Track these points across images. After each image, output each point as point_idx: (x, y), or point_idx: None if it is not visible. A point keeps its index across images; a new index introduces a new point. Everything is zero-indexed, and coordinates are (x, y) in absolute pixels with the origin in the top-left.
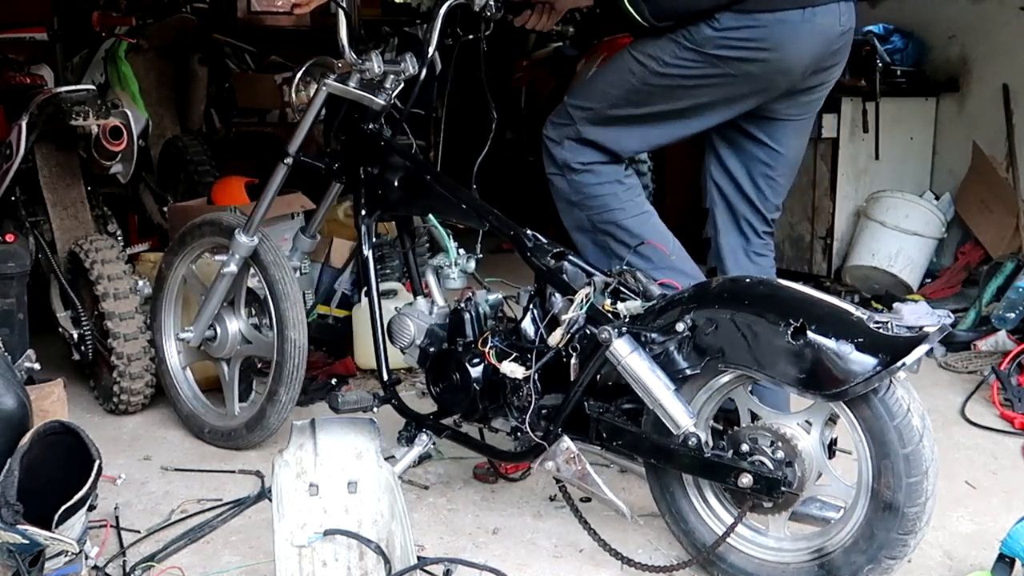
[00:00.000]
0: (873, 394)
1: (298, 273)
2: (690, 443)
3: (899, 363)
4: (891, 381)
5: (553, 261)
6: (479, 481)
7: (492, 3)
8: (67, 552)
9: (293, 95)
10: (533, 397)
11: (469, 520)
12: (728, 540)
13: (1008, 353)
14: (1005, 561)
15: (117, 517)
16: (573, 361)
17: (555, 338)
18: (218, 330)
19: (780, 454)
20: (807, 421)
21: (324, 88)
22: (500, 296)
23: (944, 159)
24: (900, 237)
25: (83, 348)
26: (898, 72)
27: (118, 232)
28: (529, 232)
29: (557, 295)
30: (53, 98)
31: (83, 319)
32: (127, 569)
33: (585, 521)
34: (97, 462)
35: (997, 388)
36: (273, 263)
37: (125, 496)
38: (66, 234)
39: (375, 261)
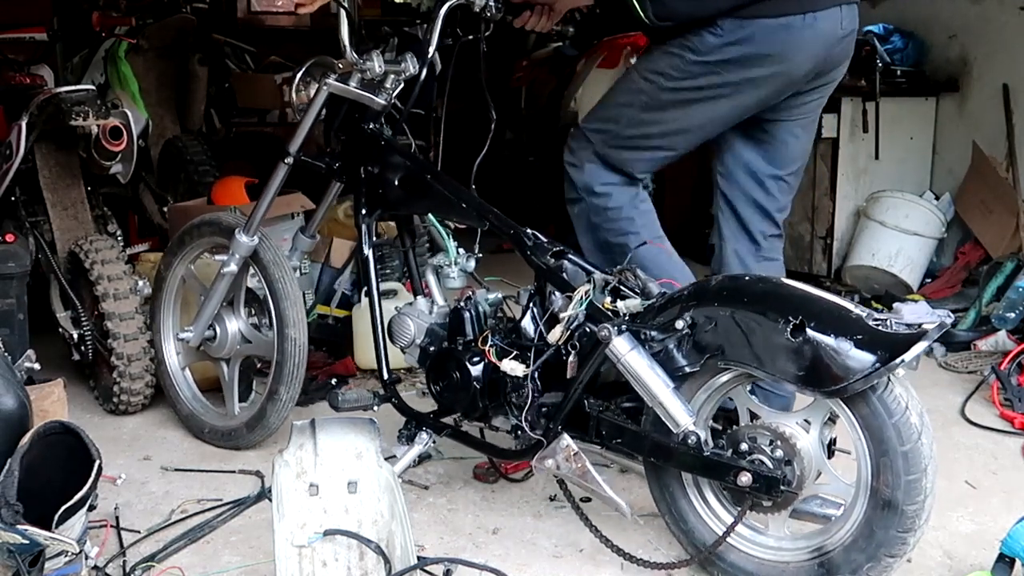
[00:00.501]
0: (871, 392)
1: (298, 273)
2: (689, 442)
3: (898, 360)
4: (889, 379)
5: (553, 260)
6: (479, 481)
7: (492, 4)
8: (67, 552)
9: (293, 95)
10: (533, 395)
11: (469, 520)
12: (728, 539)
13: (1008, 353)
14: (1005, 561)
15: (117, 517)
16: (572, 359)
17: (555, 335)
18: (218, 330)
19: (779, 453)
20: (806, 420)
21: (325, 88)
22: (500, 295)
23: (944, 159)
24: (900, 237)
25: (83, 348)
26: (898, 72)
27: (118, 232)
28: (529, 231)
29: (557, 293)
30: (53, 98)
31: (83, 319)
32: (127, 569)
33: (586, 517)
34: (97, 462)
35: (997, 388)
36: (273, 262)
37: (125, 496)
38: (66, 234)
39: (375, 261)
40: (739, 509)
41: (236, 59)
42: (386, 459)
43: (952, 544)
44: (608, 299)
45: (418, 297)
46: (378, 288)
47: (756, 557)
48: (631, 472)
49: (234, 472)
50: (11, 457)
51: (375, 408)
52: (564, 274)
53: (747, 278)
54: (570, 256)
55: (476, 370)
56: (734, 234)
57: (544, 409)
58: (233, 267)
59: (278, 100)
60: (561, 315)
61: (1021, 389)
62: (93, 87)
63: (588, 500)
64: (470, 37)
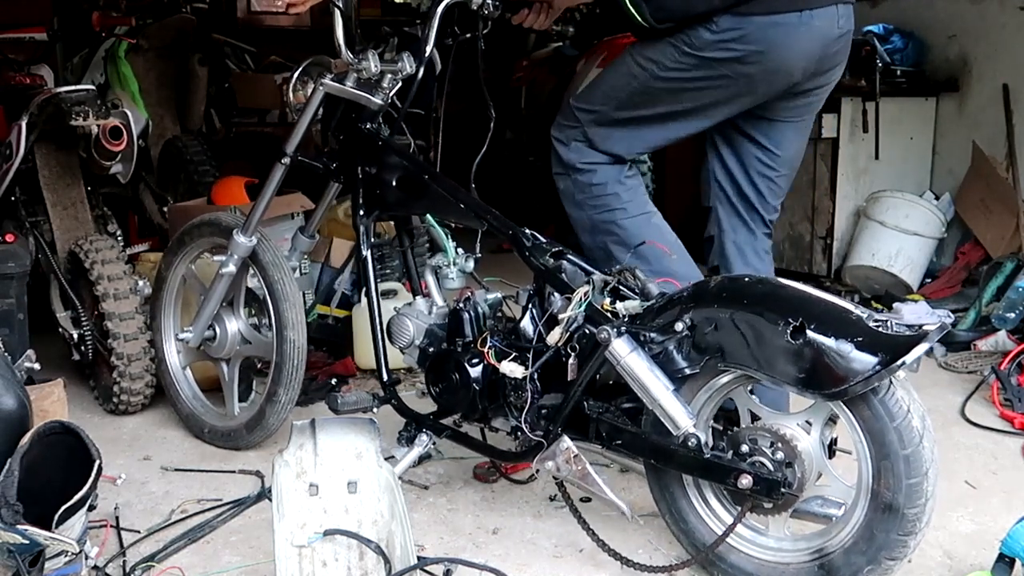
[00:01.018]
0: (873, 395)
1: (297, 273)
2: (690, 444)
3: (899, 362)
4: (891, 381)
5: (552, 260)
6: (479, 481)
7: (490, 1)
8: (67, 552)
9: (291, 94)
10: (532, 396)
11: (469, 520)
12: (728, 540)
13: (1008, 353)
14: (1005, 561)
15: (117, 517)
16: (572, 361)
17: (554, 337)
18: (217, 330)
19: (780, 455)
20: (807, 421)
21: (321, 87)
22: (499, 296)
23: (944, 159)
24: (900, 237)
25: (83, 348)
26: (898, 72)
27: (118, 232)
28: (528, 232)
29: (556, 294)
30: (53, 98)
31: (83, 319)
32: (127, 569)
33: (584, 521)
34: (97, 462)
35: (997, 388)
36: (272, 263)
37: (125, 496)
38: (66, 234)
39: (374, 261)
40: (739, 510)
41: (236, 59)
42: (386, 459)
43: (952, 544)
44: (607, 300)
45: (417, 297)
46: (377, 288)
47: (756, 558)
48: (631, 472)
49: (234, 472)
50: (11, 457)
51: (374, 410)
52: (563, 275)
53: (747, 279)
54: (569, 257)
55: (475, 371)
56: (732, 225)
57: (544, 411)
58: (232, 267)
59: (278, 100)
60: (560, 316)
61: (1021, 389)
62: (93, 87)
63: (588, 500)
64: (468, 36)
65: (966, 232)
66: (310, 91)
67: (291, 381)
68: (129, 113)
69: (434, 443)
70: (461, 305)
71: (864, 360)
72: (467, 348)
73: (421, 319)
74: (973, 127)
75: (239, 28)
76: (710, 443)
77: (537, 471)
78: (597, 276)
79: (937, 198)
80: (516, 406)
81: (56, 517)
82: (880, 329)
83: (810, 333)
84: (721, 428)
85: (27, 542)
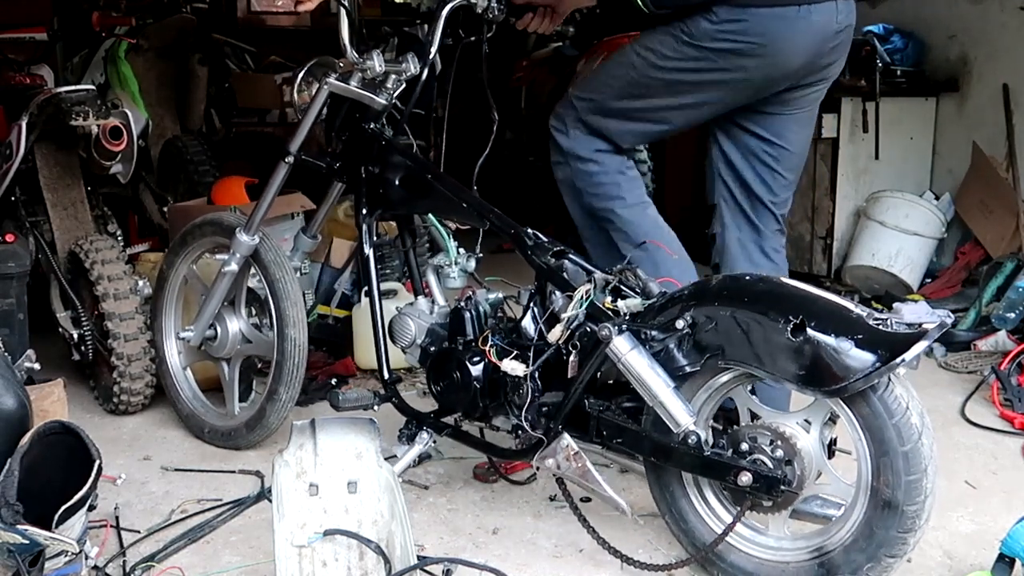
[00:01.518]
0: (872, 392)
1: (298, 273)
2: (690, 441)
3: (898, 359)
4: (890, 379)
5: (553, 259)
6: (479, 481)
7: (495, 5)
8: (67, 552)
9: (295, 94)
10: (533, 394)
11: (469, 520)
12: (728, 539)
13: (1008, 353)
14: (1005, 561)
15: (117, 517)
16: (573, 358)
17: (555, 335)
18: (218, 330)
19: (780, 453)
20: (806, 420)
21: (326, 87)
22: (500, 295)
23: (944, 159)
24: (900, 237)
25: (83, 348)
26: (898, 72)
27: (118, 232)
28: (530, 231)
29: (557, 293)
30: (53, 98)
31: (83, 319)
32: (127, 569)
33: (585, 520)
34: (97, 462)
35: (997, 388)
36: (274, 262)
37: (125, 496)
38: (66, 234)
39: (376, 260)
40: (739, 508)
41: (236, 59)
42: (386, 459)
43: (952, 544)
44: (608, 299)
45: (419, 297)
46: (379, 288)
47: (756, 557)
48: (631, 472)
49: (234, 472)
50: (11, 457)
51: (375, 408)
52: (564, 274)
53: (748, 277)
54: (571, 256)
55: (476, 370)
56: (736, 222)
57: (544, 409)
58: (234, 266)
59: (278, 100)
60: (561, 315)
61: (1021, 389)
62: (93, 87)
63: (588, 500)
64: (472, 39)
65: (966, 232)
66: (314, 91)
67: (292, 379)
68: (129, 113)
69: (435, 441)
70: (463, 304)
71: (864, 357)
72: (468, 347)
73: (423, 318)
74: (973, 127)
75: (239, 28)
76: (710, 441)
77: (537, 469)
78: (598, 275)
79: (937, 198)
80: (517, 404)
81: (56, 517)
82: (880, 327)
83: (810, 331)
84: (721, 427)
85: (27, 542)
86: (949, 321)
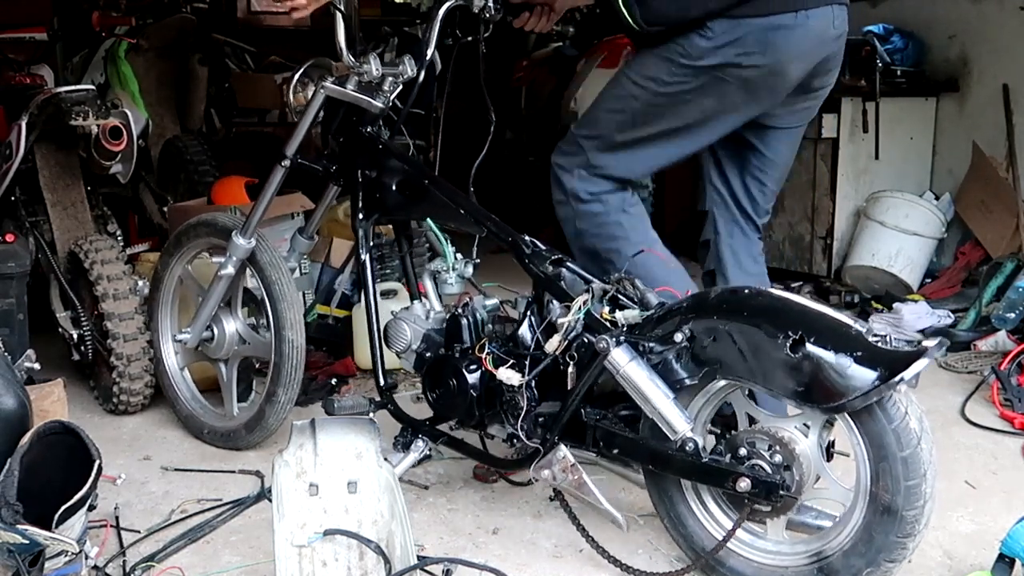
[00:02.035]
0: None
1: (296, 273)
2: (687, 448)
3: (897, 378)
4: None
5: (551, 268)
6: (479, 481)
7: (491, 4)
8: (67, 552)
9: (291, 96)
10: (529, 404)
11: (469, 520)
12: (727, 544)
13: (1008, 353)
14: (1005, 561)
15: (117, 517)
16: (571, 370)
17: (552, 345)
18: (216, 331)
19: (778, 458)
20: (805, 424)
21: (322, 91)
22: (497, 302)
23: (944, 159)
24: (900, 237)
25: (83, 348)
26: (898, 72)
27: (118, 232)
28: (527, 238)
29: (555, 302)
30: (53, 98)
31: (83, 319)
32: (127, 569)
33: (583, 528)
34: (97, 462)
35: (997, 388)
36: (270, 264)
37: (125, 496)
38: (66, 234)
39: (373, 264)
40: (739, 515)
41: (236, 59)
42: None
43: (952, 544)
44: (606, 309)
45: (415, 302)
46: (375, 293)
47: (755, 562)
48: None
49: (234, 472)
50: (11, 457)
51: (371, 415)
52: (562, 283)
53: (746, 291)
54: (568, 264)
55: (472, 378)
56: (729, 230)
57: (541, 419)
58: (230, 269)
59: (278, 100)
60: (559, 323)
61: (1021, 389)
62: (93, 87)
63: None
64: (469, 38)
65: (966, 232)
66: (311, 93)
67: (290, 381)
68: (129, 113)
69: (430, 449)
70: (460, 311)
71: (863, 375)
72: (465, 354)
73: (418, 324)
74: (973, 127)
75: (239, 28)
76: (708, 447)
77: (533, 480)
78: (596, 285)
79: (937, 198)
80: (513, 414)
81: (56, 517)
82: (879, 344)
83: (809, 346)
84: (719, 432)
85: (27, 542)
86: (949, 322)
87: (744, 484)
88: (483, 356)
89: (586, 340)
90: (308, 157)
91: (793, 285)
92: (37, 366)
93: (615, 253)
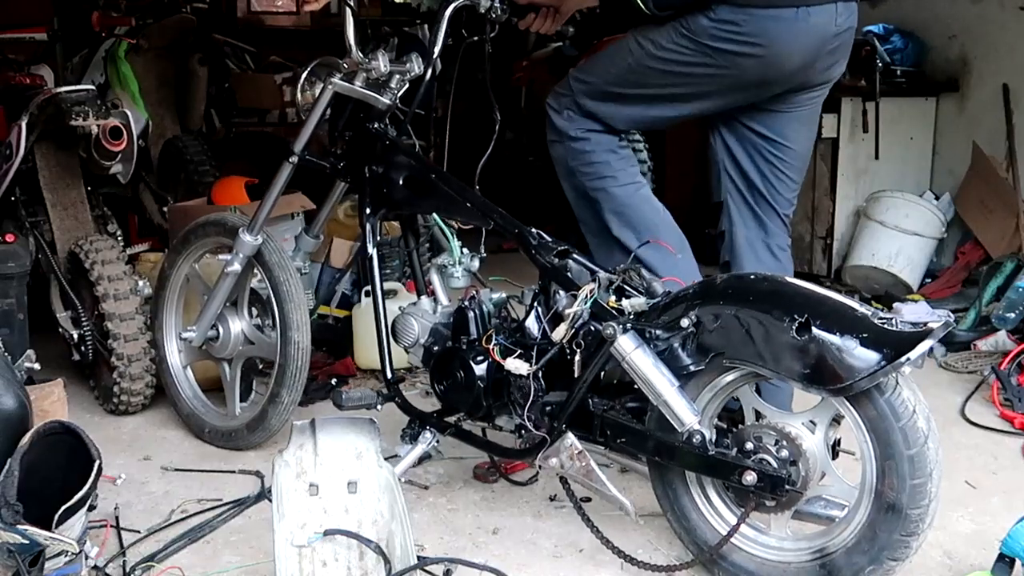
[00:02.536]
0: (879, 394)
1: (300, 273)
2: (694, 440)
3: (903, 358)
4: (897, 380)
5: (557, 259)
6: (479, 481)
7: (497, 5)
8: (67, 552)
9: (299, 94)
10: (537, 394)
11: (469, 520)
12: (731, 539)
13: (1008, 353)
14: (1005, 561)
15: (117, 517)
16: (578, 358)
17: (559, 334)
18: (221, 330)
19: (784, 453)
20: (812, 421)
21: (330, 87)
22: (504, 295)
23: (944, 159)
24: (900, 237)
25: (83, 348)
26: (898, 72)
27: (118, 232)
28: (534, 230)
29: (561, 292)
30: (53, 98)
31: (83, 319)
32: (127, 569)
33: (588, 519)
34: (97, 462)
35: (997, 388)
36: (278, 264)
37: (125, 496)
38: (66, 234)
39: (379, 260)
40: (743, 509)
41: (236, 59)
42: (388, 459)
43: (952, 544)
44: (612, 298)
45: (422, 297)
46: (382, 287)
47: (758, 557)
48: (631, 472)
49: (234, 472)
50: (11, 457)
51: (379, 407)
52: (569, 273)
53: (752, 277)
54: (575, 255)
55: (480, 369)
56: (744, 220)
57: (548, 408)
58: (237, 266)
59: (278, 100)
60: (566, 313)
61: (1021, 389)
62: (93, 87)
63: (588, 500)
64: (475, 38)
65: (966, 232)
66: (318, 91)
67: (294, 382)
68: (129, 113)
69: (438, 441)
70: (466, 304)
71: (868, 356)
72: (472, 346)
73: (426, 318)
74: (973, 127)
75: (239, 28)
76: (714, 440)
77: (540, 468)
78: (602, 274)
79: (937, 198)
80: (520, 403)
81: (56, 517)
82: (885, 326)
83: (815, 329)
84: (725, 427)
85: (27, 542)
86: (951, 320)
87: (750, 478)
88: (490, 347)
89: (593, 328)
90: (315, 154)
91: None
92: (37, 366)
93: (602, 193)
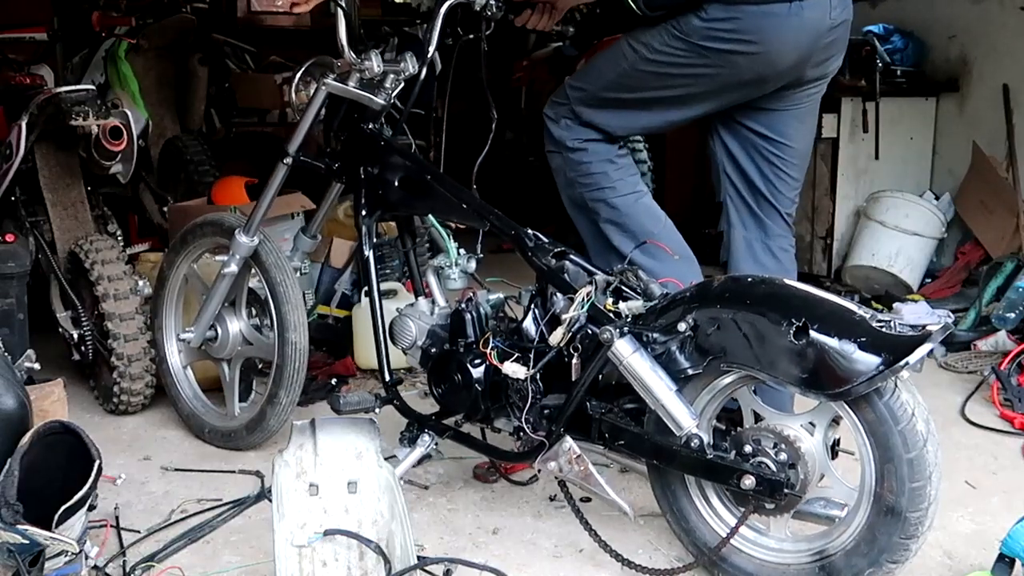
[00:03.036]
0: (878, 397)
1: (298, 273)
2: (692, 444)
3: (902, 362)
4: (896, 383)
5: (554, 261)
6: (479, 481)
7: (493, 3)
8: (67, 552)
9: (293, 95)
10: (534, 397)
11: (469, 520)
12: (730, 541)
13: (1008, 353)
14: (1005, 561)
15: (117, 517)
16: (575, 361)
17: (556, 337)
18: (219, 331)
19: (783, 456)
20: (810, 423)
21: (323, 87)
22: (501, 296)
23: (944, 159)
24: (900, 237)
25: (83, 348)
26: (898, 72)
27: (118, 232)
28: (530, 232)
29: (558, 294)
30: (53, 98)
31: (83, 319)
32: (127, 569)
33: (586, 522)
34: (97, 462)
35: (997, 388)
36: (275, 265)
37: (125, 496)
38: (66, 234)
39: (376, 261)
40: (742, 512)
41: (236, 59)
42: (387, 459)
43: (952, 544)
44: (610, 300)
45: (419, 298)
46: (379, 289)
47: (757, 559)
48: (631, 472)
49: (234, 472)
50: (11, 457)
51: (376, 411)
52: (566, 275)
53: (750, 279)
54: (572, 257)
55: (478, 372)
56: (742, 220)
57: (546, 411)
58: (233, 267)
59: (278, 100)
60: (563, 316)
61: (1021, 389)
62: (93, 87)
63: (588, 500)
64: (470, 36)
65: (966, 232)
66: (312, 91)
67: (292, 383)
68: (129, 113)
69: (436, 443)
70: (463, 305)
71: (867, 360)
72: (469, 349)
73: (423, 320)
74: (973, 127)
75: (239, 28)
76: (713, 444)
77: (539, 471)
78: (600, 276)
79: (937, 198)
80: (518, 406)
81: (56, 517)
82: (883, 329)
83: (813, 333)
84: (724, 428)
85: (27, 542)
86: (951, 321)
87: (749, 481)
88: (488, 350)
89: (590, 332)
90: (310, 155)
91: None
92: (37, 366)
93: (601, 204)
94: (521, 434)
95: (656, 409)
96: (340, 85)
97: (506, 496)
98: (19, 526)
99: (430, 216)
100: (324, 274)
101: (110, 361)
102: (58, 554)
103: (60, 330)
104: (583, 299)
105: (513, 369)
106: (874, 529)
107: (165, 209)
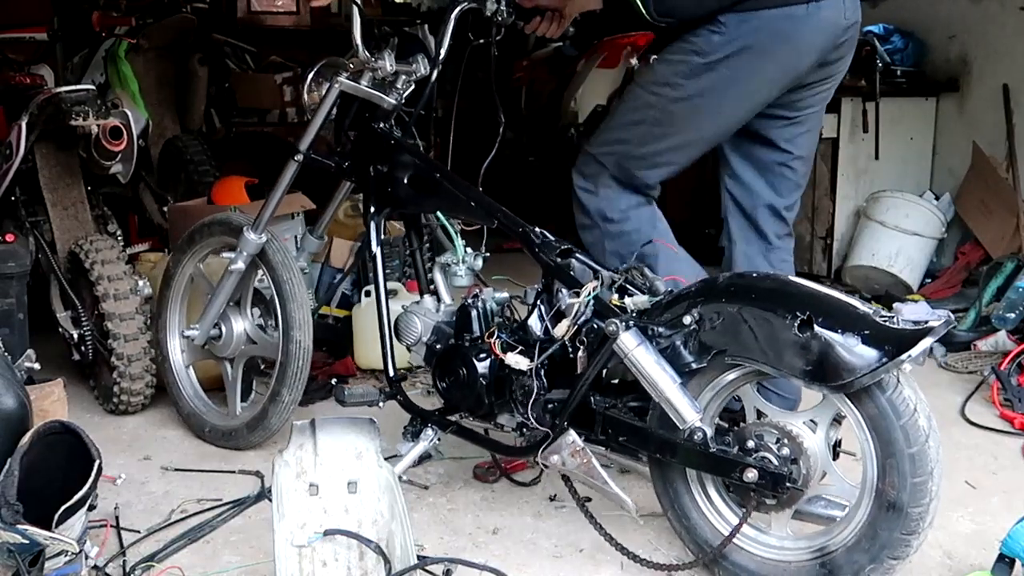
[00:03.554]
0: (880, 392)
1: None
2: (696, 438)
3: (904, 355)
4: (898, 379)
5: (560, 258)
6: (479, 481)
7: (503, 8)
8: (67, 552)
9: (305, 94)
10: (538, 390)
11: (469, 520)
12: (732, 539)
13: (1008, 353)
14: (1005, 561)
15: (117, 517)
16: (580, 354)
17: (561, 330)
18: (223, 329)
19: (785, 451)
20: (812, 421)
21: (337, 86)
22: (507, 294)
23: (944, 159)
24: (900, 237)
25: (83, 348)
26: (898, 72)
27: (118, 232)
28: (537, 229)
29: (564, 290)
30: (53, 98)
31: (83, 319)
32: (127, 569)
33: (590, 515)
34: (97, 462)
35: (997, 388)
36: (281, 264)
37: (125, 496)
38: (66, 234)
39: (383, 259)
40: (744, 508)
41: (236, 59)
42: (389, 457)
43: (952, 544)
44: (615, 296)
45: (425, 295)
46: (385, 286)
47: (759, 556)
48: (631, 473)
49: (234, 472)
50: (11, 457)
51: (380, 405)
52: (572, 271)
53: (754, 275)
54: (577, 255)
55: (482, 366)
56: (744, 235)
57: (550, 405)
58: (240, 264)
59: (278, 100)
60: (568, 309)
61: (1021, 389)
62: (93, 87)
63: (589, 500)
64: (481, 41)
65: (966, 232)
66: (324, 91)
67: (295, 382)
68: (129, 113)
69: (439, 438)
70: (469, 302)
71: (870, 353)
72: (475, 344)
73: (429, 316)
74: (973, 127)
75: (239, 28)
76: (716, 438)
77: (543, 466)
78: (605, 273)
79: (937, 198)
80: (522, 400)
81: (56, 517)
82: (886, 323)
83: (817, 327)
84: (727, 426)
85: (27, 542)
86: (952, 318)
87: (751, 475)
88: (492, 341)
89: (595, 325)
90: (320, 153)
91: None
92: (37, 366)
93: (651, 269)
94: (524, 429)
95: (660, 402)
96: (353, 84)
97: (506, 496)
98: (19, 526)
99: (438, 214)
100: (324, 274)
101: (110, 361)
102: (58, 554)
103: (60, 330)
104: (589, 291)
105: (517, 360)
106: (875, 525)
107: (165, 209)
